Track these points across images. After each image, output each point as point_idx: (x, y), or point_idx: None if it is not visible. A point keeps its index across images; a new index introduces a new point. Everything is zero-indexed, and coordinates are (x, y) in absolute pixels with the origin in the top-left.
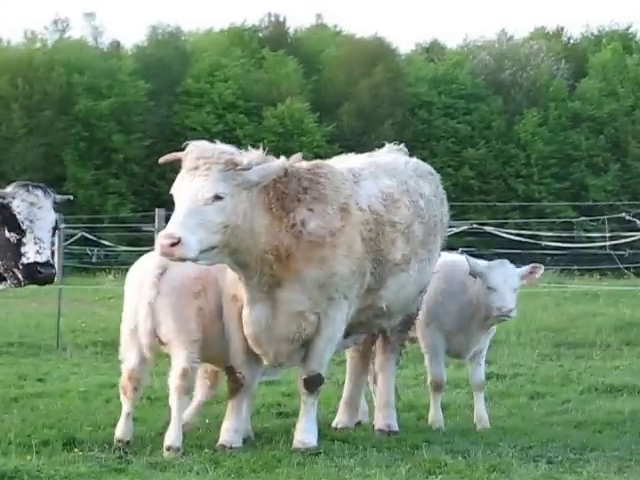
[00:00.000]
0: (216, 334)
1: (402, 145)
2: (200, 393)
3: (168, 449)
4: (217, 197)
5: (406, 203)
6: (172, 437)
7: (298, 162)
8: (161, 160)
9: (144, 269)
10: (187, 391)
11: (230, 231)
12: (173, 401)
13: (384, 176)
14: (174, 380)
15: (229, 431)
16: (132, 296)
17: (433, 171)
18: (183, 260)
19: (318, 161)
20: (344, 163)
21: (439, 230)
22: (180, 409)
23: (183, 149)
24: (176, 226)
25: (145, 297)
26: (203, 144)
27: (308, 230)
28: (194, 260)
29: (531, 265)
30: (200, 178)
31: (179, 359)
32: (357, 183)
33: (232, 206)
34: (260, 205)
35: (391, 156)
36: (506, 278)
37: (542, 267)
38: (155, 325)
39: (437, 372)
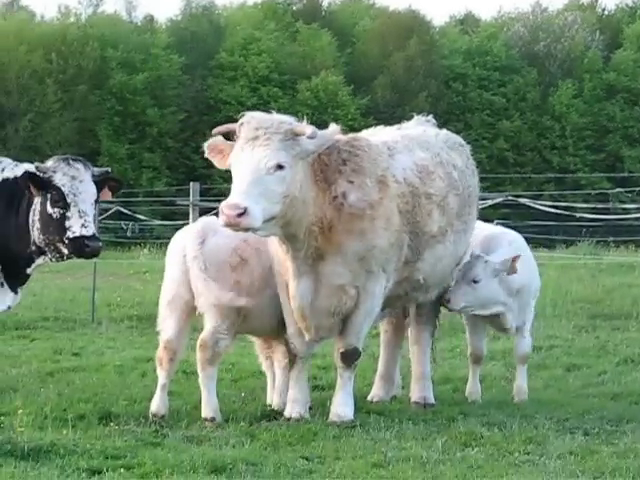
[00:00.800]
0: (259, 306)
1: (431, 117)
2: (270, 373)
3: (204, 420)
4: (279, 166)
5: (440, 175)
6: (205, 408)
7: (336, 134)
8: (214, 132)
9: (184, 240)
10: (210, 362)
11: (289, 201)
12: (199, 373)
13: (418, 148)
14: (197, 351)
15: (291, 402)
16: (170, 267)
17: (463, 142)
18: (248, 230)
19: (355, 134)
20: (376, 136)
21: (473, 201)
22: (205, 380)
23: (222, 122)
24: (241, 196)
25: (183, 268)
26: (260, 114)
27: (349, 202)
28: (256, 230)
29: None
30: (261, 148)
31: (204, 330)
32: (392, 156)
33: (291, 176)
34: (309, 177)
35: (421, 128)
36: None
37: (520, 255)
38: (192, 295)
39: (477, 345)
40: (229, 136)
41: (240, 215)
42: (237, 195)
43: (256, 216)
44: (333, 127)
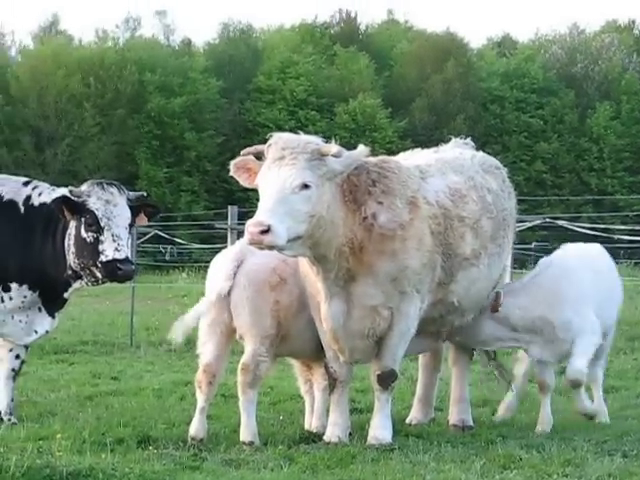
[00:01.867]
0: (298, 327)
1: (469, 139)
2: (309, 397)
3: (243, 444)
4: (304, 186)
5: (474, 198)
6: (244, 432)
7: (365, 155)
8: (243, 152)
9: (222, 262)
10: (250, 385)
11: (315, 221)
12: (239, 396)
13: (451, 172)
14: (238, 375)
15: (332, 426)
16: (210, 290)
17: (500, 165)
18: (272, 248)
19: (384, 156)
20: (410, 159)
21: (509, 224)
22: (245, 403)
23: (261, 143)
24: (266, 214)
25: (223, 289)
26: (288, 135)
27: (379, 223)
28: (281, 249)
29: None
30: (287, 167)
31: (245, 353)
32: (424, 179)
33: (317, 196)
34: (338, 197)
35: (457, 151)
36: None
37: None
38: (232, 318)
39: (541, 372)
40: (259, 157)
41: (264, 232)
42: (262, 213)
43: (280, 234)
44: (361, 148)
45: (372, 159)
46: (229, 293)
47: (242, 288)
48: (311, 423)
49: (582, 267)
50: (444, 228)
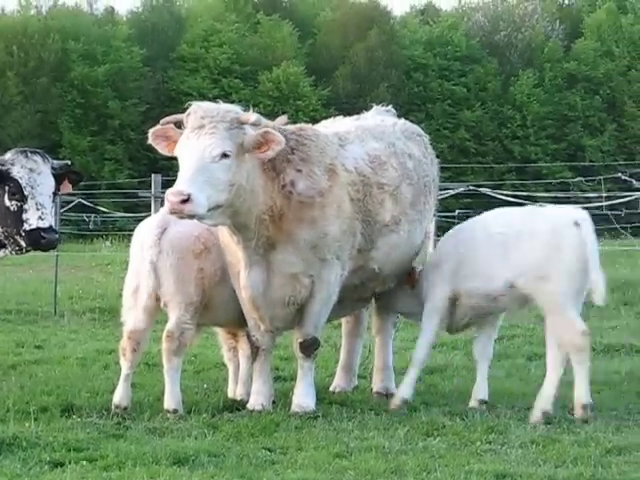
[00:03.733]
0: (222, 296)
1: (390, 107)
2: (232, 365)
3: (167, 412)
4: (224, 155)
5: (393, 165)
6: (168, 400)
7: (283, 124)
8: (162, 122)
9: (146, 229)
10: (175, 353)
11: (235, 190)
12: (164, 364)
13: (371, 139)
14: (163, 342)
15: (255, 394)
16: (134, 257)
17: (422, 132)
18: (192, 217)
19: (302, 124)
20: (331, 127)
21: (430, 191)
22: (170, 371)
23: (183, 112)
24: (185, 183)
25: (147, 257)
26: (207, 104)
27: (298, 190)
28: (201, 218)
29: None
30: (206, 136)
31: (170, 321)
32: (343, 146)
33: (237, 164)
34: (257, 166)
35: (379, 118)
36: None
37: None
38: (156, 285)
39: None
40: (179, 126)
41: (184, 202)
42: (182, 182)
43: (200, 203)
44: (280, 118)
45: (290, 127)
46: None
47: (166, 255)
48: (235, 391)
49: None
50: (363, 195)
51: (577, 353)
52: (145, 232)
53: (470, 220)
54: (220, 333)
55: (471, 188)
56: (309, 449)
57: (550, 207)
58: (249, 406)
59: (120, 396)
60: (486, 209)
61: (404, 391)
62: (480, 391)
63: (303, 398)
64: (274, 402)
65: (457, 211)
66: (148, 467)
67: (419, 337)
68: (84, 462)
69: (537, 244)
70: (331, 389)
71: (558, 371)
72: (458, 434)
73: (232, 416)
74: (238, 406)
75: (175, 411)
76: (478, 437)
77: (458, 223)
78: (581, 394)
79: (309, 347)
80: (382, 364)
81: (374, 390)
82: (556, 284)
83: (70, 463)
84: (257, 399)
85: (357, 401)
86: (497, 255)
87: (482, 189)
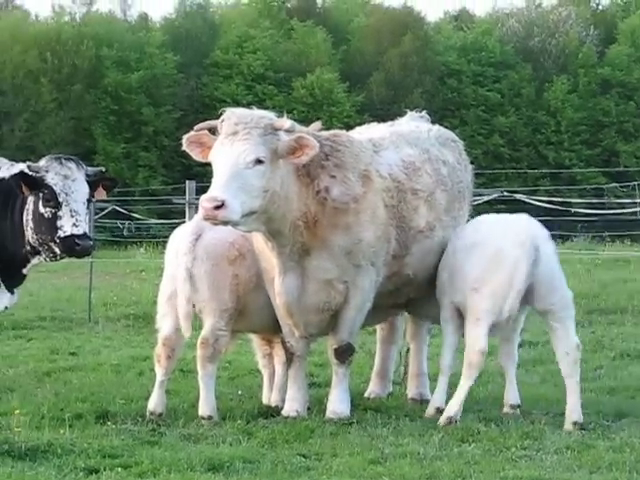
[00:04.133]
0: (257, 303)
1: (424, 113)
2: (267, 371)
3: (202, 418)
4: (258, 161)
5: (428, 171)
6: (203, 407)
7: (317, 130)
8: (196, 128)
9: (181, 236)
10: (210, 359)
11: (269, 196)
12: (199, 371)
13: (405, 145)
14: (197, 349)
15: (290, 401)
16: (169, 264)
17: (456, 138)
18: (226, 223)
19: (336, 131)
20: (365, 133)
21: (464, 197)
22: (205, 378)
23: (216, 118)
24: (219, 189)
25: (182, 263)
26: (240, 110)
27: (332, 197)
28: (235, 224)
29: None
30: (240, 142)
31: (204, 328)
32: (377, 152)
33: (271, 170)
34: (292, 172)
35: (413, 124)
36: None
37: None
38: (192, 292)
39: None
40: (213, 132)
41: (218, 208)
42: (216, 188)
43: (234, 209)
44: (314, 124)
45: (324, 133)
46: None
47: (200, 262)
48: (269, 397)
49: None
50: (397, 201)
51: (468, 368)
52: (180, 239)
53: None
54: (254, 340)
55: (505, 194)
56: (344, 455)
57: (508, 218)
58: (284, 412)
59: (155, 403)
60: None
61: (437, 400)
62: (511, 396)
63: (338, 404)
64: (309, 408)
65: None
66: (183, 473)
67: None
68: (119, 469)
69: (479, 257)
70: (366, 395)
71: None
72: (493, 440)
73: (267, 422)
74: (273, 412)
75: (210, 418)
76: (513, 443)
77: None
78: (451, 407)
79: (344, 353)
80: (417, 370)
81: (409, 396)
82: (483, 298)
83: (105, 470)
84: (292, 405)
85: (392, 407)
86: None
87: (516, 195)
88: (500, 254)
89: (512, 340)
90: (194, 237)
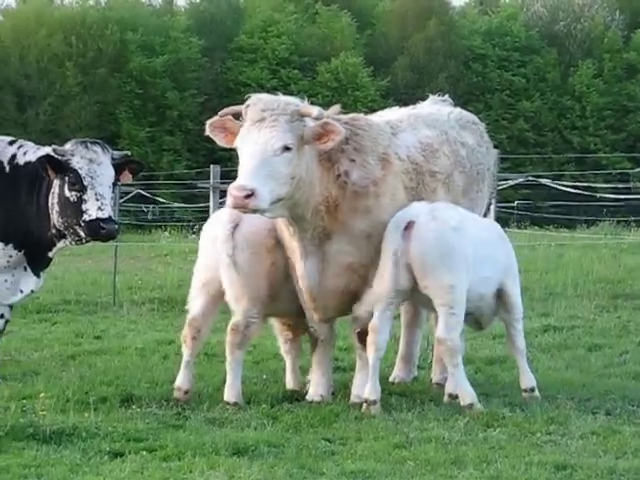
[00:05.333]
0: (289, 289)
1: (447, 96)
2: (290, 357)
3: (227, 404)
4: (285, 148)
5: (446, 152)
6: (229, 392)
7: (336, 114)
8: (220, 113)
9: (218, 223)
10: (239, 346)
11: (296, 182)
12: (227, 356)
13: (423, 126)
14: (227, 335)
15: (315, 386)
16: (204, 251)
17: (477, 120)
18: (255, 212)
19: (354, 114)
20: (385, 116)
21: (483, 179)
22: (232, 364)
23: (240, 104)
24: (248, 177)
25: (222, 251)
26: (266, 96)
27: (352, 180)
28: (263, 212)
29: None
30: (267, 129)
31: (235, 314)
32: (395, 135)
33: (298, 157)
34: (314, 157)
35: (435, 107)
36: None
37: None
38: (237, 278)
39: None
40: (237, 117)
41: (248, 197)
42: (244, 177)
43: (264, 197)
44: (333, 107)
45: (343, 117)
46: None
47: (240, 250)
48: (292, 382)
49: None
50: (416, 183)
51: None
52: (217, 226)
53: None
54: (276, 326)
55: (530, 179)
56: (369, 440)
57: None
58: (308, 397)
59: (182, 380)
60: (545, 200)
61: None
62: (524, 381)
63: (362, 388)
64: (333, 393)
65: (516, 202)
66: (208, 457)
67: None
68: (144, 452)
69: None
70: (390, 380)
71: None
72: (518, 425)
73: (291, 407)
74: (297, 397)
75: (235, 404)
76: (538, 428)
77: (517, 214)
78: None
79: (366, 337)
80: (440, 355)
81: (433, 381)
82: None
83: (130, 453)
84: (316, 390)
85: (417, 392)
86: None
87: (541, 180)
88: (386, 238)
89: (511, 325)
90: (232, 225)
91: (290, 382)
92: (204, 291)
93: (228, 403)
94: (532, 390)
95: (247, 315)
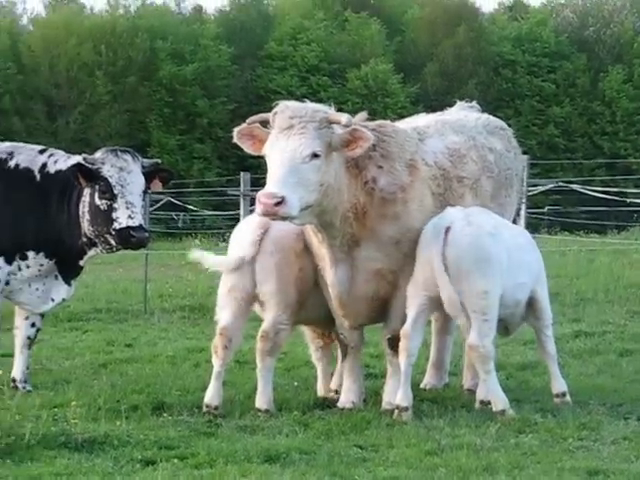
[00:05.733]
0: (317, 296)
1: (474, 102)
2: (320, 364)
3: (258, 411)
4: (314, 155)
5: (473, 158)
6: (260, 400)
7: (363, 120)
8: (248, 121)
9: (245, 229)
10: (269, 353)
11: (324, 190)
12: (257, 363)
13: (451, 132)
14: (257, 342)
15: (346, 392)
16: (233, 255)
17: (505, 126)
18: (285, 219)
19: (381, 121)
20: (412, 123)
21: (512, 184)
22: (263, 371)
23: (269, 111)
24: (277, 185)
25: (248, 255)
26: (294, 103)
27: (379, 187)
28: (292, 219)
29: None
30: (296, 137)
31: (265, 321)
32: (422, 141)
33: (327, 164)
34: (342, 163)
35: (462, 113)
36: None
37: None
38: (255, 284)
39: None
40: (265, 125)
41: (277, 204)
42: (274, 184)
43: (293, 205)
44: (360, 114)
45: (370, 123)
46: (253, 260)
47: (269, 255)
48: (323, 389)
49: None
50: (444, 189)
51: None
52: (246, 232)
53: None
54: (307, 333)
55: (560, 184)
56: (400, 446)
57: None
58: (340, 404)
59: (211, 395)
60: (575, 205)
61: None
62: (555, 386)
63: (394, 395)
64: (365, 400)
65: (547, 207)
66: (239, 465)
67: None
68: (175, 460)
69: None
70: (422, 386)
71: None
72: (550, 431)
73: (323, 414)
74: (329, 404)
75: (266, 411)
76: (570, 434)
77: (548, 219)
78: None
79: (397, 343)
80: (472, 361)
81: (465, 387)
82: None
83: (161, 461)
84: (348, 397)
85: (448, 398)
86: None
87: (572, 185)
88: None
89: (541, 332)
90: (261, 230)
91: (321, 389)
92: (231, 298)
93: (259, 410)
94: (563, 395)
95: (276, 322)
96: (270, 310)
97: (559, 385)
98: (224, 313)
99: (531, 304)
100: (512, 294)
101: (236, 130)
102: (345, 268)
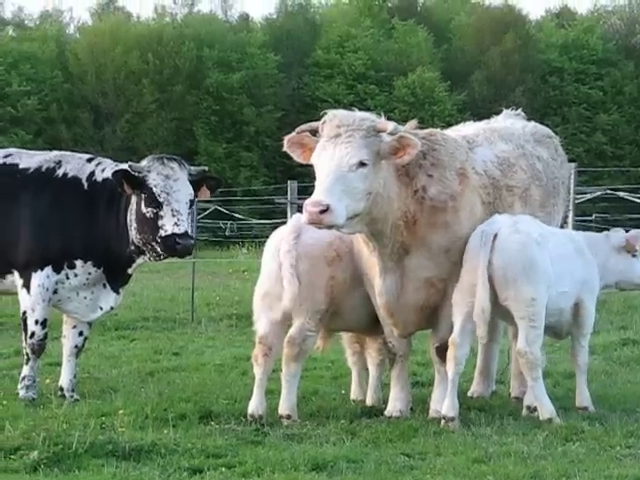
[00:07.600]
0: (351, 304)
1: (520, 110)
2: (356, 368)
3: (280, 418)
4: (361, 164)
5: (522, 167)
6: (283, 405)
7: (413, 128)
8: (297, 130)
9: (279, 237)
10: (295, 359)
11: (373, 198)
12: (282, 368)
13: (500, 141)
14: (284, 347)
15: (393, 401)
16: (266, 263)
17: (552, 134)
18: (331, 227)
19: (431, 129)
20: (461, 131)
21: (559, 192)
22: (288, 376)
23: (316, 120)
24: (324, 193)
25: (284, 262)
26: (342, 112)
27: (430, 195)
28: (340, 228)
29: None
30: (343, 145)
31: (293, 327)
32: (472, 149)
33: (374, 172)
34: (392, 172)
35: (509, 121)
36: None
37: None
38: (299, 290)
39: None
40: (314, 134)
41: (323, 212)
42: (320, 192)
43: (339, 213)
44: (410, 122)
45: (420, 132)
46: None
47: (299, 261)
48: (357, 394)
49: None
50: (493, 198)
51: None
52: (279, 239)
53: None
54: (344, 337)
55: (608, 192)
56: (448, 454)
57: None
58: (387, 412)
59: (255, 405)
60: (623, 213)
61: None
62: (578, 399)
63: (441, 404)
64: (412, 408)
65: (594, 215)
66: (287, 473)
67: None
68: (223, 468)
69: None
70: (469, 394)
71: None
72: (597, 439)
73: (370, 422)
74: (376, 412)
75: (289, 417)
76: (617, 442)
77: (596, 227)
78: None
79: (445, 351)
80: (519, 369)
81: (512, 395)
82: None
83: (209, 470)
84: (395, 405)
85: (495, 406)
86: None
87: (619, 193)
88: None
89: (577, 341)
90: (294, 236)
91: (355, 393)
92: (265, 305)
93: (282, 416)
94: (585, 409)
95: (304, 328)
96: (298, 316)
97: (582, 399)
98: (261, 321)
99: (575, 312)
100: (555, 303)
101: (286, 139)
102: (394, 277)
